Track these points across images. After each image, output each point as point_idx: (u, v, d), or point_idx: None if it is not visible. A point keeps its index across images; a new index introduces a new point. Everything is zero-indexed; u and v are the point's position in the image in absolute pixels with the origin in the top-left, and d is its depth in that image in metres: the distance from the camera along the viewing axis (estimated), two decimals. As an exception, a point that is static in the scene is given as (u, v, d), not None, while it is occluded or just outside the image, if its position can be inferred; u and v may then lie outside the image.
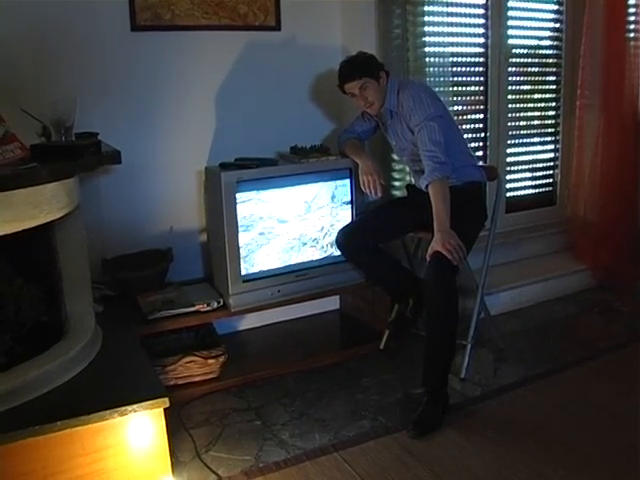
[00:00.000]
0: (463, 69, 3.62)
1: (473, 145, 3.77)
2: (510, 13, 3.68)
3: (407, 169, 3.12)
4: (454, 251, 2.42)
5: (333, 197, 3.05)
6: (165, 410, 2.09)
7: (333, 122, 3.35)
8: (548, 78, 4.01)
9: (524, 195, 4.11)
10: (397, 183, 3.25)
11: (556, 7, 3.92)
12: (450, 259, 2.42)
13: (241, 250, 2.83)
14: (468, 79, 3.67)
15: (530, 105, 3.99)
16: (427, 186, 2.59)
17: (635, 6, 3.78)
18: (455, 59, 3.52)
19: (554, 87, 4.03)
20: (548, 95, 4.04)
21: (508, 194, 3.96)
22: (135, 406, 2.02)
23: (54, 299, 2.32)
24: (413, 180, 3.02)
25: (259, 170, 2.84)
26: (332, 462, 2.29)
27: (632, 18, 3.80)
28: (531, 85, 3.95)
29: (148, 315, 2.72)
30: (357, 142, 2.98)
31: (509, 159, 3.94)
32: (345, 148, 3.00)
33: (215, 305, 2.84)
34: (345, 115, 3.20)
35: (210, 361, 2.74)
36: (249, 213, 2.84)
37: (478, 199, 2.89)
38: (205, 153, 3.08)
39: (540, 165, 4.13)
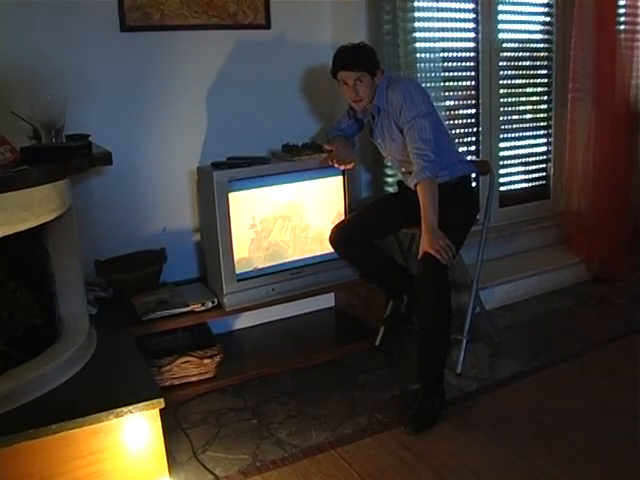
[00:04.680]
0: (454, 64, 3.62)
1: (465, 140, 3.78)
2: (500, 7, 3.68)
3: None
4: (443, 251, 2.41)
5: (325, 194, 3.05)
6: (161, 411, 2.09)
7: (324, 119, 3.34)
8: (539, 72, 4.01)
9: (517, 189, 4.12)
10: (389, 179, 3.25)
11: (546, 0, 3.92)
12: (439, 259, 2.42)
13: (234, 249, 2.83)
14: (459, 74, 3.68)
15: (522, 99, 4.00)
16: (416, 185, 2.58)
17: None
18: (446, 54, 3.52)
19: (545, 80, 4.04)
20: (540, 89, 4.04)
21: (501, 188, 3.97)
22: (131, 407, 2.02)
23: (47, 302, 2.31)
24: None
25: (251, 169, 2.83)
26: (329, 460, 2.29)
27: (622, 10, 3.80)
28: (523, 79, 3.95)
29: (142, 316, 2.71)
30: (342, 139, 2.95)
31: (502, 153, 3.94)
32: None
33: (209, 305, 2.83)
34: (336, 112, 3.18)
35: (206, 361, 2.73)
36: (242, 212, 2.84)
37: (469, 193, 2.89)
38: (197, 153, 3.07)
39: (533, 159, 4.13)
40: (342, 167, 2.91)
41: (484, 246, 2.94)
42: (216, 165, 2.83)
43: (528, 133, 4.06)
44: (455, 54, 3.62)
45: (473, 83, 3.73)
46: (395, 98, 2.65)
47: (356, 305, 3.37)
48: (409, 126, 2.60)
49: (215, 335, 2.96)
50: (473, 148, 3.81)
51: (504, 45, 3.79)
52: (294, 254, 3.02)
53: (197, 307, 2.81)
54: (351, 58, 2.66)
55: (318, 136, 3.29)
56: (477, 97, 3.74)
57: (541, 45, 3.98)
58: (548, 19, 3.94)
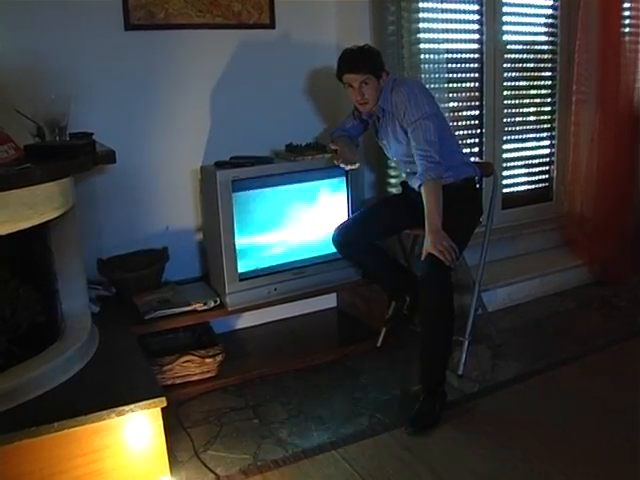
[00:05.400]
0: (458, 65, 3.61)
1: (469, 141, 3.77)
2: (505, 9, 3.67)
3: (403, 166, 3.12)
4: (446, 252, 2.41)
5: (329, 195, 3.05)
6: (163, 410, 2.09)
7: (328, 120, 3.34)
8: (543, 74, 4.00)
9: (520, 191, 4.11)
10: (392, 180, 3.25)
11: (551, 2, 3.91)
12: (443, 260, 2.41)
13: (237, 248, 2.83)
14: (463, 75, 3.67)
15: (526, 101, 3.99)
16: (420, 186, 2.58)
17: (630, 1, 3.79)
18: (450, 55, 3.51)
19: (550, 82, 4.03)
20: (544, 91, 4.03)
21: (504, 190, 3.96)
22: (132, 406, 2.02)
23: (50, 300, 2.31)
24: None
25: (254, 169, 2.83)
26: (330, 460, 2.29)
27: (627, 13, 3.80)
28: (526, 81, 3.94)
29: (145, 315, 2.71)
30: (346, 139, 2.96)
31: (505, 155, 3.93)
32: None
33: (212, 304, 2.83)
34: (340, 112, 3.19)
35: (207, 360, 2.74)
36: (245, 211, 2.84)
37: (473, 195, 2.89)
38: (200, 152, 3.07)
39: (536, 161, 4.12)
40: (347, 167, 2.91)
41: (487, 248, 2.93)
42: (219, 164, 2.83)
43: (532, 135, 4.05)
44: (459, 55, 3.61)
45: (477, 85, 3.72)
46: (399, 100, 2.64)
47: (358, 306, 3.37)
48: (413, 127, 2.60)
49: (217, 334, 2.96)
50: (476, 150, 3.81)
51: (508, 47, 3.78)
52: (297, 254, 3.02)
53: (199, 306, 2.81)
54: (356, 61, 2.66)
55: (322, 136, 3.29)
56: (481, 99, 3.73)
57: (545, 47, 3.97)
58: (553, 21, 3.93)
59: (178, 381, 2.73)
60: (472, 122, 3.76)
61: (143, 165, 2.96)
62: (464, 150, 3.57)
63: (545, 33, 3.96)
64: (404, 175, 2.99)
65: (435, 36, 3.30)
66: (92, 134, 2.40)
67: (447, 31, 3.45)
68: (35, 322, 2.22)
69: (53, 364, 2.13)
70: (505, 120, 3.87)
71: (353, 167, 2.92)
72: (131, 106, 2.90)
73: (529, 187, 4.14)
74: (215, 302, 2.85)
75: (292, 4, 3.16)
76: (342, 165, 2.90)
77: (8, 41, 2.55)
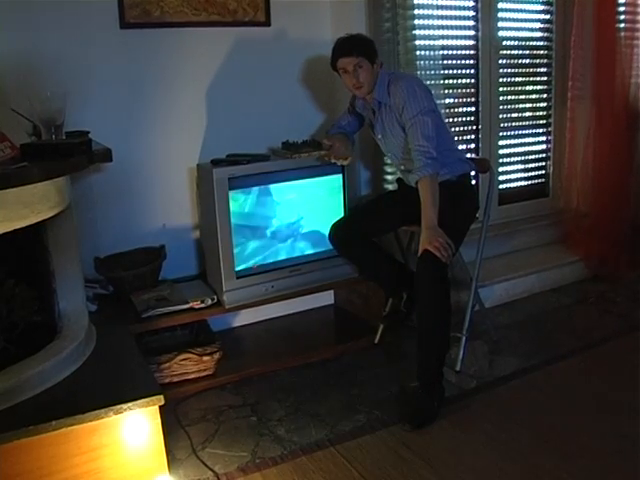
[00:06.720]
0: (454, 62, 3.62)
1: (465, 137, 3.77)
2: (500, 5, 3.68)
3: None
4: (442, 249, 2.41)
5: (325, 192, 3.05)
6: (161, 408, 2.09)
7: (324, 117, 3.34)
8: (539, 70, 4.01)
9: (517, 187, 4.11)
10: (389, 177, 3.25)
11: (546, -2, 3.93)
12: (439, 257, 2.41)
13: (234, 246, 2.83)
14: (459, 72, 3.67)
15: (522, 97, 3.99)
16: (416, 182, 2.57)
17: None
18: (446, 52, 3.52)
19: (545, 79, 4.03)
20: (539, 87, 4.04)
21: (501, 186, 3.96)
22: (130, 404, 2.02)
23: (47, 299, 2.31)
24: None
25: (251, 166, 2.84)
26: (328, 457, 2.29)
27: (622, 8, 3.81)
28: (522, 77, 3.95)
29: (142, 313, 2.71)
30: (341, 135, 2.95)
31: (501, 151, 3.94)
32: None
33: (209, 302, 2.84)
34: (336, 109, 3.19)
35: (205, 358, 2.74)
36: (241, 209, 2.84)
37: (469, 191, 2.89)
38: (197, 150, 3.07)
39: (532, 157, 4.13)
40: (339, 162, 2.91)
41: (483, 244, 2.93)
42: (216, 162, 2.83)
43: (528, 131, 4.06)
44: (455, 52, 3.62)
45: (473, 81, 3.72)
46: (398, 94, 2.63)
47: (355, 303, 3.37)
48: (412, 123, 2.59)
49: (214, 332, 2.96)
50: (473, 146, 3.81)
51: (504, 43, 3.78)
52: (293, 251, 3.02)
53: (196, 304, 2.81)
54: (349, 45, 2.66)
55: (318, 133, 3.29)
56: (477, 95, 3.74)
57: (541, 43, 3.97)
58: (548, 17, 3.94)
59: (176, 379, 2.72)
60: (468, 118, 3.76)
61: (140, 163, 2.96)
62: (460, 146, 3.58)
63: (540, 29, 3.96)
64: (399, 172, 2.99)
65: (431, 32, 3.29)
66: (88, 132, 2.39)
67: (443, 27, 3.46)
68: (32, 321, 2.22)
69: (51, 363, 2.12)
70: (501, 116, 3.87)
71: (345, 162, 2.91)
72: (127, 104, 2.90)
73: (525, 183, 4.15)
74: (212, 300, 2.85)
75: (288, 2, 3.16)
76: (334, 160, 2.89)
77: (3, 40, 2.55)
